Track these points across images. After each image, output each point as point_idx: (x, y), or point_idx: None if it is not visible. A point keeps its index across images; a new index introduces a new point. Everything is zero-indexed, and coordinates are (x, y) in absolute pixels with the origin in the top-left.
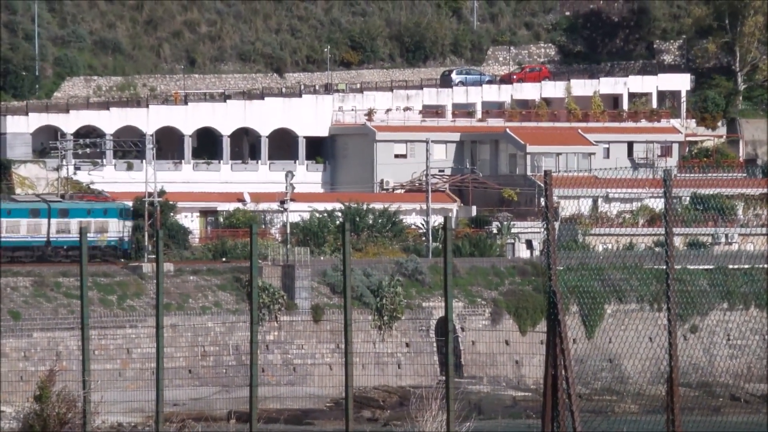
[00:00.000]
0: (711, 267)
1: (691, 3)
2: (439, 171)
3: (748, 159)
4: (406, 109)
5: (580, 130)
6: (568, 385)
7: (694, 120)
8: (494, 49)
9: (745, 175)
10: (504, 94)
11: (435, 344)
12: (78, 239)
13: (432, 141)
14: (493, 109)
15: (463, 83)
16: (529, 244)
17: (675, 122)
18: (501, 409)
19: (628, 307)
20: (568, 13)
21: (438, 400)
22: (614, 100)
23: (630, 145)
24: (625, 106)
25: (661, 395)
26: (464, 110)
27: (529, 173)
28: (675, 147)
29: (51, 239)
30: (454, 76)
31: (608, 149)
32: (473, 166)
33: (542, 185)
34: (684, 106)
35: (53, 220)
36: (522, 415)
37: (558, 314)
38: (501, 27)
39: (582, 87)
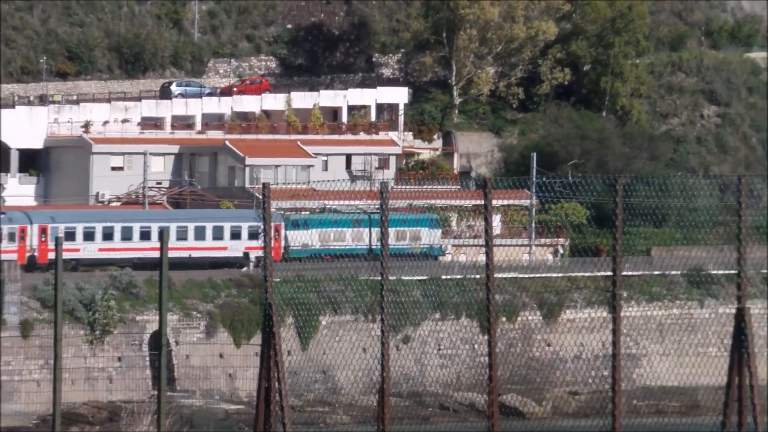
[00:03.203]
0: (425, 278)
1: (410, 17)
2: (157, 183)
3: (462, 171)
4: (125, 121)
5: (299, 143)
6: (281, 397)
7: (411, 133)
8: (215, 62)
9: (459, 187)
10: (224, 106)
11: (148, 358)
12: (397, 247)
13: (150, 153)
14: (213, 121)
15: (182, 95)
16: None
17: (393, 135)
18: (213, 423)
19: (343, 319)
20: (289, 26)
21: (150, 414)
22: (334, 112)
23: (348, 157)
24: (345, 118)
25: (373, 405)
26: (184, 122)
27: (248, 185)
28: (392, 159)
29: (372, 247)
30: (173, 88)
31: (327, 161)
32: (191, 178)
33: (260, 197)
34: (401, 119)
35: (374, 230)
36: (234, 428)
37: (273, 326)
38: (222, 39)
39: (302, 99)
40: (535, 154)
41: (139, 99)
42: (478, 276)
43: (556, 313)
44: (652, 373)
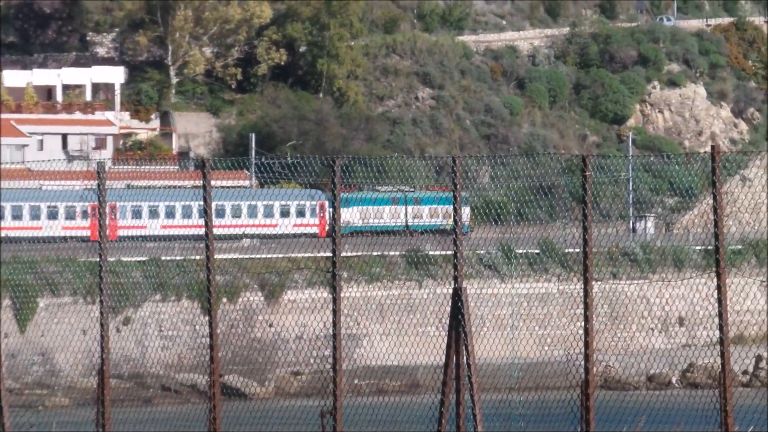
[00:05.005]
0: (145, 259)
1: None
2: None
3: (181, 152)
4: None
5: (12, 122)
6: None
7: (128, 113)
8: None
9: (178, 167)
10: None
11: None
12: (431, 224)
13: None
14: None
15: None
16: None
17: (109, 114)
18: None
19: (62, 300)
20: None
21: None
22: (48, 91)
23: (64, 137)
24: (60, 97)
25: (93, 387)
26: None
27: None
28: (110, 139)
29: (408, 224)
30: None
31: (42, 141)
32: None
33: None
34: (118, 99)
35: (409, 208)
36: None
37: None
38: None
39: (15, 78)
40: (253, 134)
41: None
42: (198, 257)
43: (277, 294)
44: (373, 353)
